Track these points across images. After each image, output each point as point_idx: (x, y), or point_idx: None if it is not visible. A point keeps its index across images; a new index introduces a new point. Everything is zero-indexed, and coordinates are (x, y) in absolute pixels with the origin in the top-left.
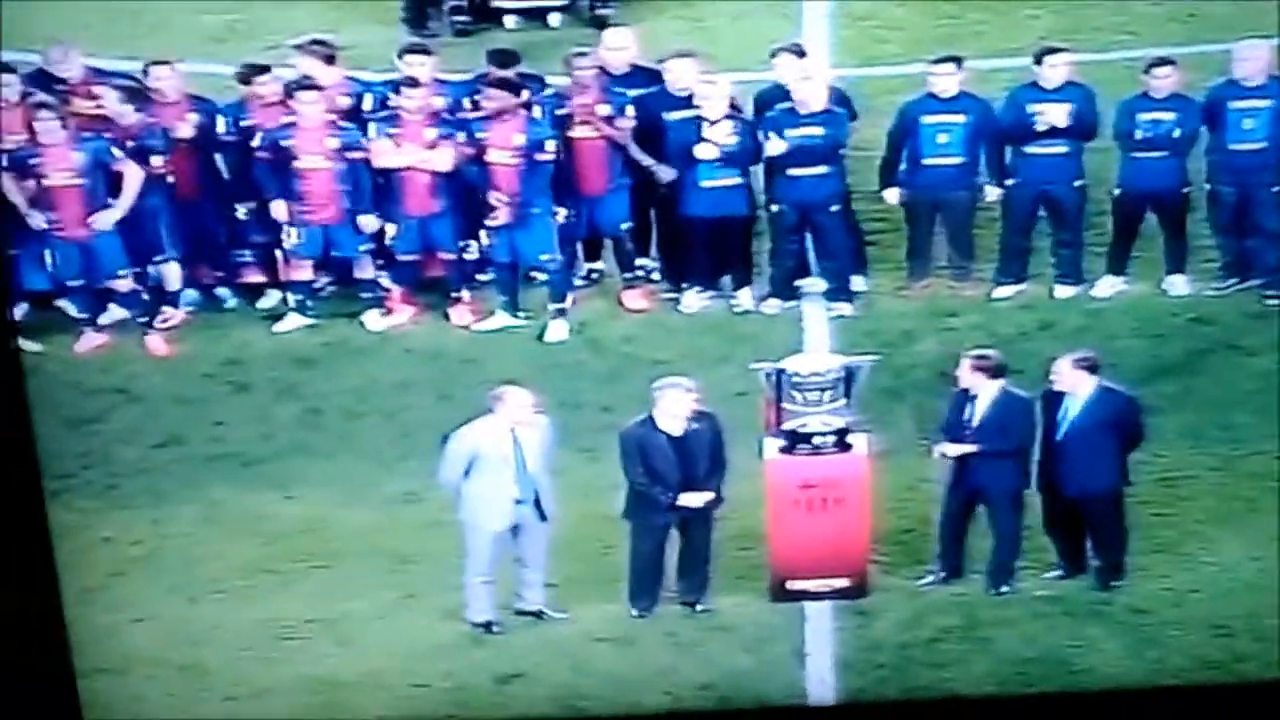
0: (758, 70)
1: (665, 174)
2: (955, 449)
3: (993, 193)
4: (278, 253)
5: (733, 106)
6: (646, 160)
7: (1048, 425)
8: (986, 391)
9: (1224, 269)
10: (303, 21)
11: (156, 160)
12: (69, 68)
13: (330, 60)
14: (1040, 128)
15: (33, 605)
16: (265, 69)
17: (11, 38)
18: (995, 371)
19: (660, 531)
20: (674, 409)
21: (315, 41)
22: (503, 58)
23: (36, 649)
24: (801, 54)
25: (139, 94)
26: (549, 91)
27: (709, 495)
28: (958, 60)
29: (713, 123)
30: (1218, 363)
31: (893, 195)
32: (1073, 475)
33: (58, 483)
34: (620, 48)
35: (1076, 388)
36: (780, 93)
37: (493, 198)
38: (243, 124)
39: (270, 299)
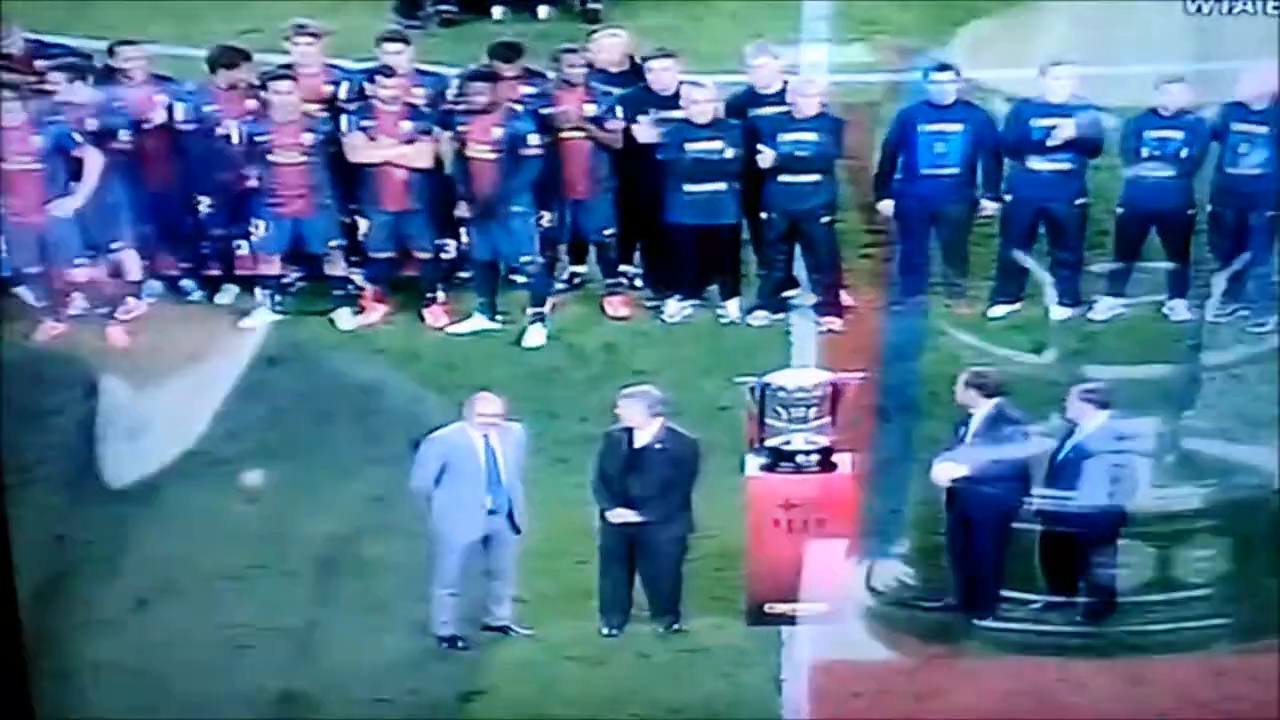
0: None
1: (647, 133)
2: (945, 470)
3: (989, 207)
4: (243, 245)
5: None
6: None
7: (1054, 451)
8: (981, 410)
9: (1224, 294)
10: (289, 8)
11: (118, 145)
12: (11, 43)
13: (316, 37)
14: (1051, 142)
15: None
16: (242, 53)
17: None
18: (990, 390)
19: (617, 544)
20: (633, 418)
21: (300, 26)
22: (505, 51)
23: None
24: (776, 56)
25: (96, 73)
26: (534, 90)
27: (634, 517)
28: (955, 68)
29: (699, 126)
30: (1216, 390)
31: (888, 207)
32: (1066, 506)
33: (11, 476)
34: (610, 46)
35: (1081, 419)
36: (752, 95)
37: (468, 194)
38: (204, 110)
39: (227, 294)
